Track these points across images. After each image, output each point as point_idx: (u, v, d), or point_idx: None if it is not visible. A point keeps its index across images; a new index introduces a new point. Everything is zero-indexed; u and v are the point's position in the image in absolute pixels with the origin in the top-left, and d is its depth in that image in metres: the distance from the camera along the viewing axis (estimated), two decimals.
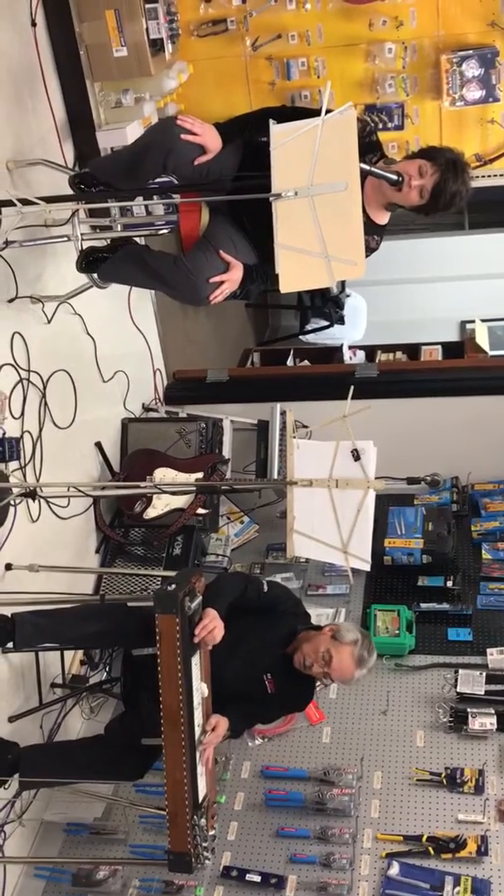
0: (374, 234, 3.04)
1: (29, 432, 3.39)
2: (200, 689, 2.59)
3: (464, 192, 2.93)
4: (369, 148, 2.97)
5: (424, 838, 3.14)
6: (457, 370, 5.01)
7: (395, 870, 3.06)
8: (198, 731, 2.58)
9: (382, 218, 3.09)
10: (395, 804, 3.31)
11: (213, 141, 2.96)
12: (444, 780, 3.33)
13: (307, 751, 3.56)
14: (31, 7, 3.44)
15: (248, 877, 3.11)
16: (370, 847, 3.17)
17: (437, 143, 3.85)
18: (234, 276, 3.00)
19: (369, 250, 2.99)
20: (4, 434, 3.15)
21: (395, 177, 2.85)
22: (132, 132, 3.71)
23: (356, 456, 2.64)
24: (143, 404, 4.65)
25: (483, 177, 4.08)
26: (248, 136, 3.04)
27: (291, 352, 6.25)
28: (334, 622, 3.62)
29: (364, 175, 2.77)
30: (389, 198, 2.97)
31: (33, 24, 3.45)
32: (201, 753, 2.59)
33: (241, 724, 2.91)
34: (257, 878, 3.11)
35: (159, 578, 3.84)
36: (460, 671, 3.65)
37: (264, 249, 2.83)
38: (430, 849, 3.11)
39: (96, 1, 3.52)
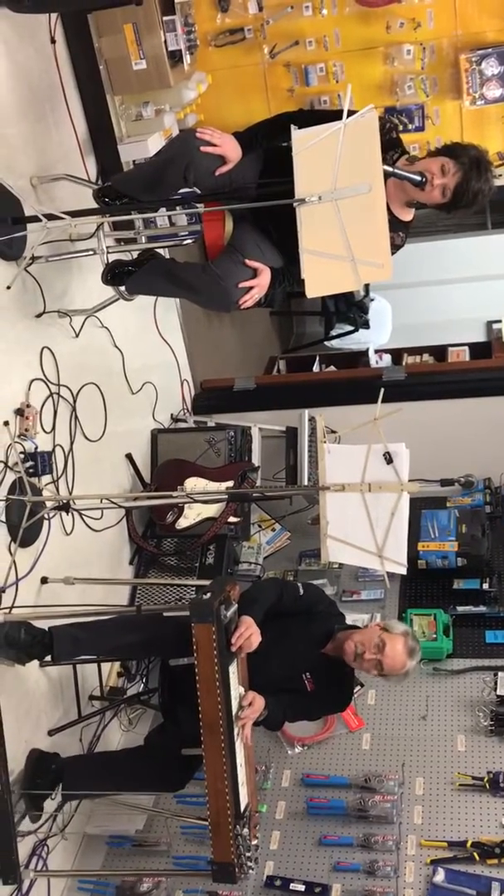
0: (399, 230, 3.04)
1: (60, 446, 3.41)
2: (239, 697, 2.59)
3: (486, 191, 2.91)
4: (390, 145, 2.97)
5: (469, 844, 3.11)
6: (485, 370, 4.98)
7: (440, 876, 3.03)
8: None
9: (407, 215, 3.09)
10: (438, 810, 3.28)
11: (233, 151, 2.97)
12: (487, 785, 3.29)
13: (347, 758, 3.54)
14: (51, 24, 3.47)
15: (292, 886, 3.10)
16: (414, 854, 3.15)
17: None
18: (262, 282, 3.00)
19: (395, 247, 2.99)
20: (37, 448, 3.17)
21: (418, 178, 2.83)
22: (153, 144, 3.74)
23: (388, 459, 2.62)
24: (172, 415, 4.66)
25: None
26: (267, 143, 3.04)
27: (317, 358, 6.25)
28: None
29: (387, 176, 2.76)
30: (412, 196, 2.96)
31: (53, 41, 3.48)
32: (240, 729, 2.58)
33: (279, 712, 2.91)
34: (301, 888, 3.09)
35: (194, 588, 3.85)
36: (500, 674, 3.62)
37: (290, 253, 2.82)
38: (476, 854, 3.07)
39: (114, 15, 3.55)
